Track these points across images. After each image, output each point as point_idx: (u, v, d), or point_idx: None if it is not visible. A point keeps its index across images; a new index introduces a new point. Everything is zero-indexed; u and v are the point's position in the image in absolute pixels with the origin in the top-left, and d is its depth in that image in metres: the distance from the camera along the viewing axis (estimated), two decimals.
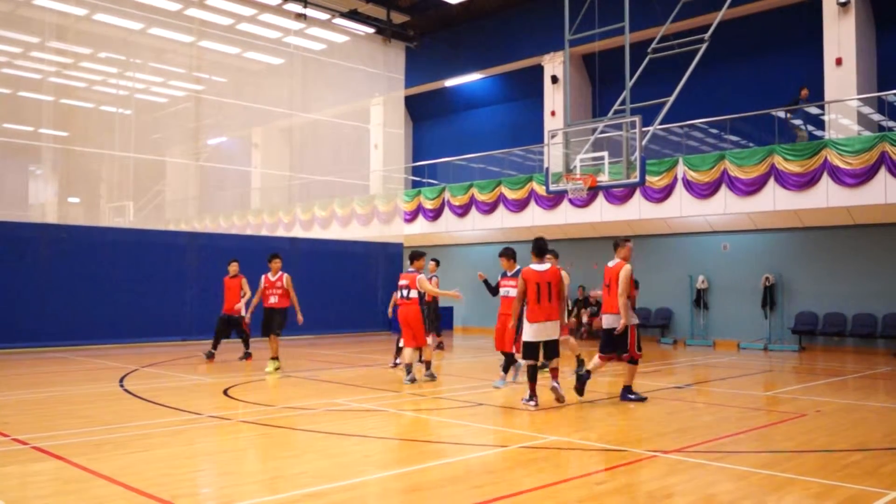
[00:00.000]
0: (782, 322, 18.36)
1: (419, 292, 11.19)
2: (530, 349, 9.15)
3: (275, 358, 12.66)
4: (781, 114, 18.13)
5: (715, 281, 19.44)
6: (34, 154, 21.09)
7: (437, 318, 15.29)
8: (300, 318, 12.90)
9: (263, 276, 12.89)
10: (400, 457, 6.63)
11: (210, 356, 14.22)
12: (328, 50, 24.48)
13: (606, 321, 9.55)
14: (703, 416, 8.78)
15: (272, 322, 12.74)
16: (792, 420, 8.30)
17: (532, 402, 8.91)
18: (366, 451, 6.86)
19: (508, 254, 10.93)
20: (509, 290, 10.63)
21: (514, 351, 10.62)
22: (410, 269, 11.42)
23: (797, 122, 17.96)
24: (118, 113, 22.16)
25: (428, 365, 11.49)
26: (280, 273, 12.82)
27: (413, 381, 10.97)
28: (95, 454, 6.47)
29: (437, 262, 15.46)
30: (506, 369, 11.07)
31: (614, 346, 9.46)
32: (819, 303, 17.97)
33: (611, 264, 9.65)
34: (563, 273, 12.51)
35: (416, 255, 11.61)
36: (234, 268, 14.60)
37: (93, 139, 20.78)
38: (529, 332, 9.10)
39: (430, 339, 11.53)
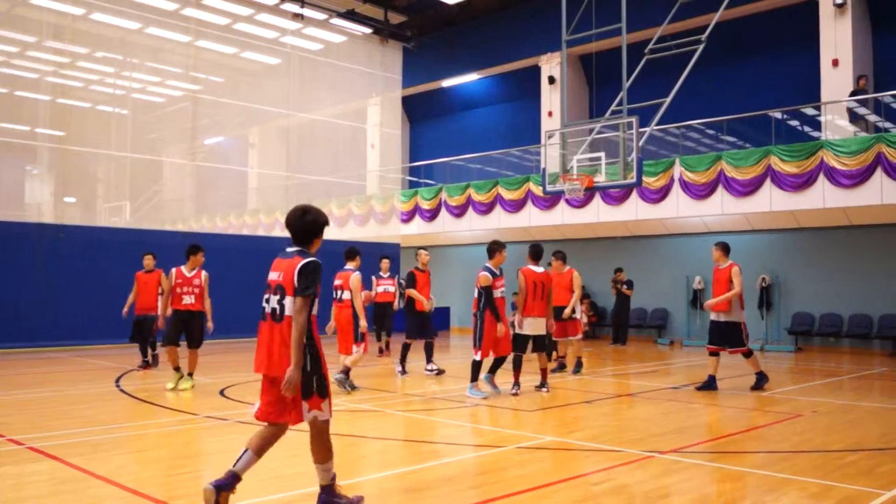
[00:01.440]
0: (779, 323, 18.39)
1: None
2: (521, 341, 10.00)
3: (191, 374, 10.56)
4: (778, 115, 18.17)
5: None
6: (31, 153, 21.05)
7: (389, 321, 14.97)
8: (210, 324, 10.68)
9: (174, 270, 10.51)
10: (396, 457, 6.63)
11: (146, 365, 12.96)
12: (325, 50, 24.47)
13: (716, 316, 10.81)
14: (699, 416, 8.80)
15: (191, 329, 10.35)
16: (788, 420, 8.32)
17: (515, 390, 9.98)
18: (362, 451, 6.86)
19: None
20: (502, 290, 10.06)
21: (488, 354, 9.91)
22: (347, 267, 10.41)
23: (863, 112, 17.39)
24: (115, 112, 22.11)
25: (347, 372, 10.36)
26: (198, 269, 10.58)
27: (353, 387, 10.36)
28: (91, 454, 6.46)
29: (390, 259, 15.08)
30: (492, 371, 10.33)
31: (723, 340, 10.68)
32: (815, 303, 18.00)
33: (722, 266, 10.97)
34: (576, 273, 12.52)
35: (352, 252, 10.57)
36: (149, 261, 13.15)
37: (89, 139, 20.73)
38: (524, 326, 9.98)
39: (356, 348, 10.22)
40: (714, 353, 10.78)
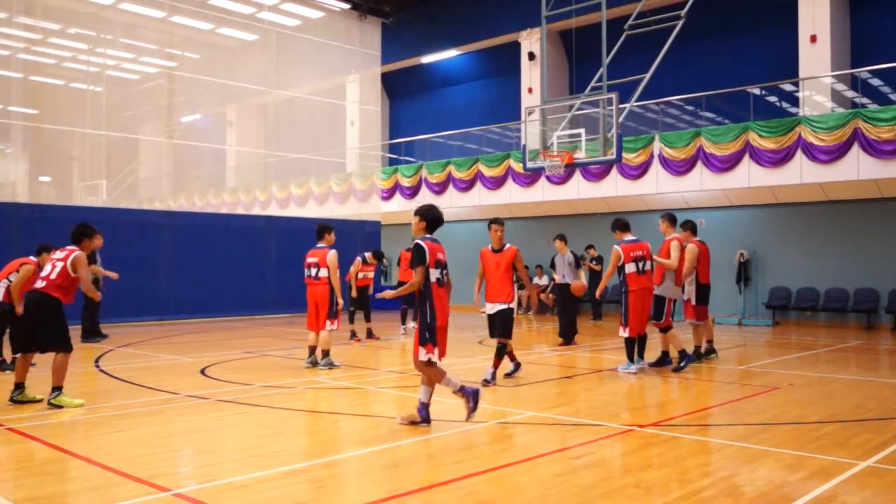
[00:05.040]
0: (756, 297, 18.59)
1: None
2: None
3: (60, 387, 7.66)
4: (756, 91, 18.24)
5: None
6: (3, 132, 20.71)
7: (366, 305, 14.51)
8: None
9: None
10: (378, 434, 6.65)
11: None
12: (303, 26, 24.19)
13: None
14: (678, 390, 8.89)
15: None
16: (765, 393, 8.43)
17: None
18: (344, 428, 6.88)
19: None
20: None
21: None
22: (320, 245, 10.45)
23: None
24: (89, 90, 21.78)
25: (325, 353, 10.36)
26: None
27: (315, 364, 10.35)
28: (71, 435, 6.43)
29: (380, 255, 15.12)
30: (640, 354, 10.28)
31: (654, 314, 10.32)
32: (792, 278, 18.21)
33: (665, 239, 10.43)
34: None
35: (325, 228, 10.57)
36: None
37: (64, 117, 20.42)
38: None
39: (329, 325, 10.26)
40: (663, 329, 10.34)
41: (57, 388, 7.58)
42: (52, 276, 7.62)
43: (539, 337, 15.64)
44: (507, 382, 9.20)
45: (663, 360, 10.44)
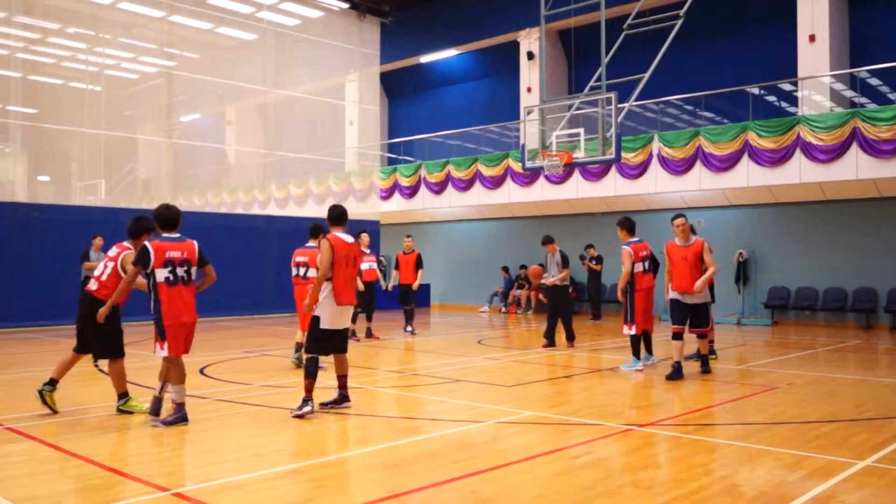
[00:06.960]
0: (755, 296, 18.60)
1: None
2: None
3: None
4: (755, 90, 18.25)
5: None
6: (2, 131, 20.65)
7: (371, 302, 14.07)
8: None
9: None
10: (378, 433, 6.65)
11: None
12: (302, 25, 24.17)
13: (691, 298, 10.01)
14: (676, 390, 8.89)
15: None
16: (764, 393, 8.44)
17: (308, 408, 7.04)
18: (343, 427, 6.88)
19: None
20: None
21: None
22: (309, 245, 10.23)
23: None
24: (88, 89, 21.75)
25: (299, 347, 10.22)
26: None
27: (300, 361, 10.10)
28: (70, 434, 6.43)
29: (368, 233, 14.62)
30: (648, 349, 10.73)
31: (692, 321, 10.05)
32: (791, 277, 18.22)
33: (687, 243, 10.13)
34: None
35: (318, 228, 10.13)
36: None
37: (62, 116, 20.38)
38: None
39: None
40: (680, 336, 9.87)
41: (122, 395, 7.30)
42: (103, 278, 7.24)
43: (539, 337, 15.63)
44: (507, 381, 9.20)
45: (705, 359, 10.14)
